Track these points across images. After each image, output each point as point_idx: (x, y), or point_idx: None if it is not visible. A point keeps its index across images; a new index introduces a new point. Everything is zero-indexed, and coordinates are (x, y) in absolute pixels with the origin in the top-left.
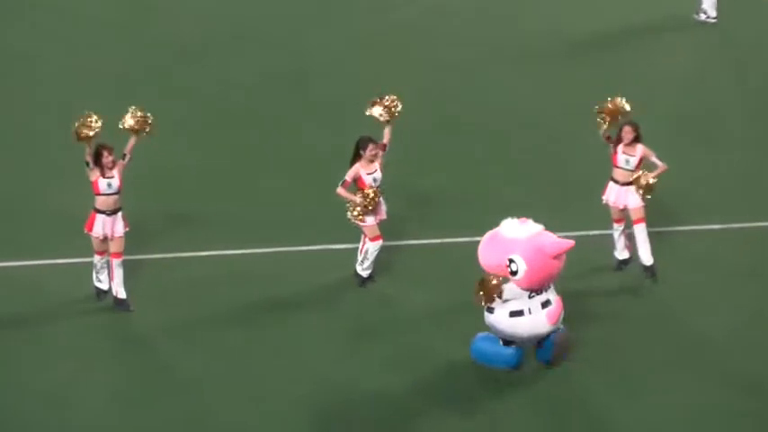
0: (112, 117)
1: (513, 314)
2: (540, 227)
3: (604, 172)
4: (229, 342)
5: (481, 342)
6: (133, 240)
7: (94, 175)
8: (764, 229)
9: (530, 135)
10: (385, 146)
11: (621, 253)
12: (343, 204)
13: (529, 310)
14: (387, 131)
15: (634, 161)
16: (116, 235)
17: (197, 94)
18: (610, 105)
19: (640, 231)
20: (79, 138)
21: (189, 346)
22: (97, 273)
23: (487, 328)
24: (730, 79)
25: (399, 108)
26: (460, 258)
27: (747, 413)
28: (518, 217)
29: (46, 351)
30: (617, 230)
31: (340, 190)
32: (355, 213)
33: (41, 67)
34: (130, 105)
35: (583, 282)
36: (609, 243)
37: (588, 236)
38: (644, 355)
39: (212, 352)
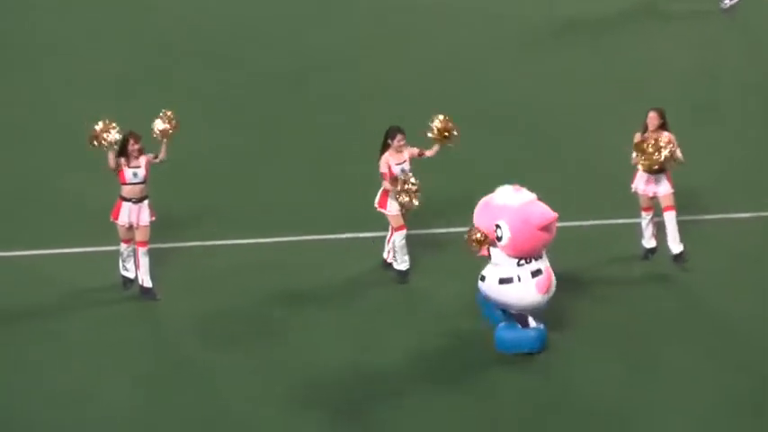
0: (115, 115)
1: (503, 281)
2: (532, 196)
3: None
4: (256, 332)
5: (502, 332)
6: (160, 229)
7: (119, 165)
8: None
9: (547, 126)
10: (423, 154)
11: (649, 241)
12: (361, 192)
13: (518, 277)
14: (434, 149)
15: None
16: (141, 223)
17: (200, 91)
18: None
19: (670, 219)
20: (97, 144)
21: (216, 337)
22: (123, 261)
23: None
24: (744, 64)
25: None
26: None
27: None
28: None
29: (71, 343)
30: (645, 219)
31: (385, 184)
32: (407, 200)
33: (55, 62)
34: (140, 103)
35: (609, 270)
36: (636, 232)
37: (615, 224)
38: (669, 345)
39: (239, 343)
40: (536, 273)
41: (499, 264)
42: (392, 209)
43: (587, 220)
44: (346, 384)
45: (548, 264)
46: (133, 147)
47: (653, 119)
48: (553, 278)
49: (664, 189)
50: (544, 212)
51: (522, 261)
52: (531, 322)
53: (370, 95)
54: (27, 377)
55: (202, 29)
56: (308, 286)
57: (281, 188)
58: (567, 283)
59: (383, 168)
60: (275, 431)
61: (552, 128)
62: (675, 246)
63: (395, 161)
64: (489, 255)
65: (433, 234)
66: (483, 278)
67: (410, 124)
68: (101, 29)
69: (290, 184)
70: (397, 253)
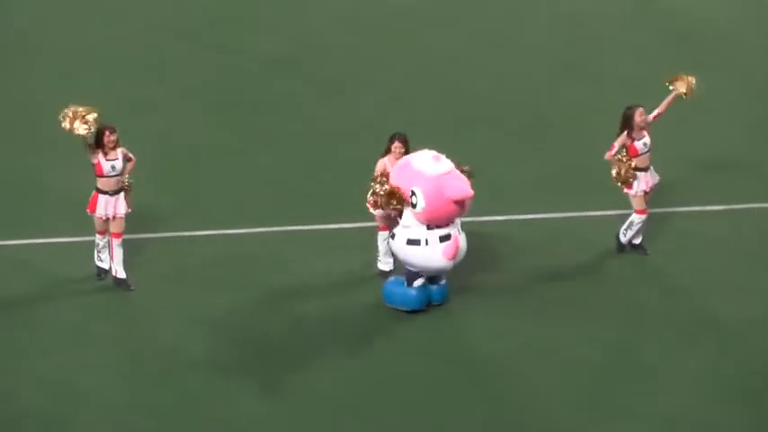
0: (113, 98)
1: (410, 242)
2: (450, 166)
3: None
4: (237, 323)
5: (389, 285)
6: (142, 219)
7: (96, 157)
8: None
9: (544, 117)
10: None
11: (633, 238)
12: (354, 183)
13: (426, 240)
14: None
15: (649, 141)
16: (118, 215)
17: (198, 76)
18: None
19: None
20: (75, 135)
21: (195, 328)
22: (99, 252)
23: None
24: (732, 54)
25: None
26: (487, 240)
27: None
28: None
29: (48, 333)
30: (638, 219)
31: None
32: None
33: (41, 48)
34: (127, 93)
35: (595, 262)
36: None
37: (600, 216)
38: (654, 337)
39: (219, 334)
40: (444, 237)
41: (409, 226)
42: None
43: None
44: (341, 377)
45: (458, 230)
46: (109, 138)
47: (641, 115)
48: (461, 244)
49: (654, 179)
50: (462, 188)
51: (433, 225)
52: (418, 282)
53: (364, 82)
54: (10, 364)
55: (201, 11)
56: (291, 278)
57: (266, 178)
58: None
59: (378, 172)
60: (255, 421)
61: (543, 122)
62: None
63: (392, 166)
64: (400, 215)
65: None
66: (393, 236)
67: (405, 112)
68: (90, 18)
69: (276, 174)
70: (379, 253)
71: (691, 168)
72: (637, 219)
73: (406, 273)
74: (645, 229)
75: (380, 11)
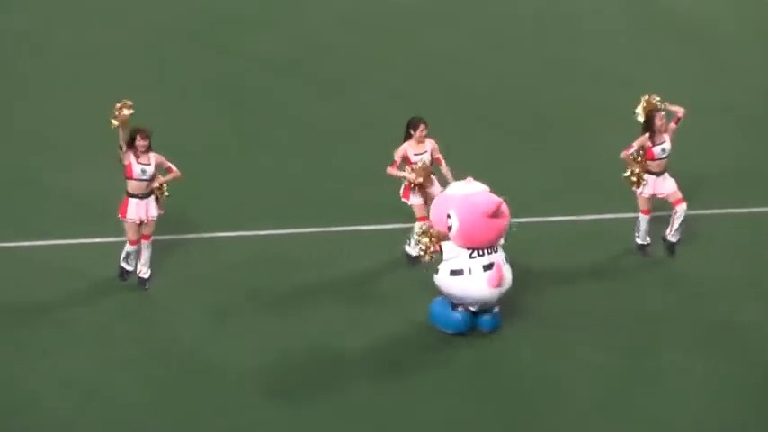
0: (114, 98)
1: (453, 273)
2: (482, 187)
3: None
4: (258, 324)
5: (435, 305)
6: (167, 222)
7: (128, 158)
8: None
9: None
10: (441, 162)
11: (645, 239)
12: (371, 185)
13: (469, 270)
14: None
15: (668, 147)
16: (150, 218)
17: (199, 76)
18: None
19: (682, 211)
20: (119, 120)
21: (215, 330)
22: (127, 258)
23: None
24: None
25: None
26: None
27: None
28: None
29: (68, 334)
30: (644, 220)
31: (389, 170)
32: (417, 181)
33: (51, 49)
34: (132, 95)
35: (608, 264)
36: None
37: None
38: (666, 339)
39: (241, 335)
40: (488, 266)
41: (451, 257)
42: (414, 200)
43: (581, 215)
44: (357, 380)
45: (502, 258)
46: (140, 143)
47: (661, 119)
48: (505, 272)
49: (670, 186)
50: (489, 198)
51: (475, 254)
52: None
53: (371, 82)
54: (32, 364)
55: (203, 12)
56: (317, 279)
57: (283, 179)
58: (562, 277)
59: (396, 157)
60: (280, 424)
61: (547, 122)
62: (673, 236)
63: (414, 151)
64: (441, 250)
65: None
66: (437, 271)
67: (406, 112)
68: (89, 19)
69: (290, 175)
70: (412, 240)
71: (712, 172)
72: (642, 219)
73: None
74: (679, 228)
75: (381, 11)
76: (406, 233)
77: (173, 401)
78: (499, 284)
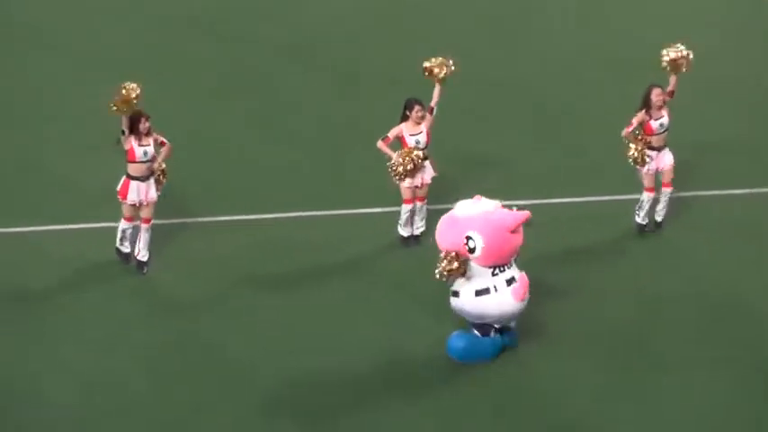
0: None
1: (479, 293)
2: (494, 203)
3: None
4: (258, 309)
5: (457, 341)
6: (169, 205)
7: (129, 142)
8: None
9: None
10: (432, 109)
11: (645, 218)
12: (369, 167)
13: (494, 287)
14: (436, 92)
15: (666, 120)
16: (150, 200)
17: (204, 65)
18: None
19: (666, 194)
20: (123, 103)
21: (218, 313)
22: (123, 239)
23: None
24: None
25: (452, 68)
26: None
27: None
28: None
29: (68, 319)
30: (647, 198)
31: (380, 143)
32: (397, 170)
33: (50, 39)
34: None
35: (604, 249)
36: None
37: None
38: (665, 329)
39: (243, 319)
40: (510, 281)
41: (473, 276)
42: (406, 183)
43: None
44: (357, 362)
45: (519, 271)
46: (144, 125)
47: (658, 95)
48: (527, 284)
49: (668, 160)
50: (515, 214)
51: (496, 270)
52: (492, 333)
53: (379, 71)
54: (32, 350)
55: (203, 4)
56: (318, 262)
57: (285, 165)
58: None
59: (390, 133)
60: (282, 411)
61: (551, 107)
62: (660, 216)
63: (409, 132)
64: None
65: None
66: (456, 294)
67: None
68: (99, 9)
69: (294, 160)
70: (401, 220)
71: (713, 151)
72: (646, 197)
73: (478, 326)
74: (666, 208)
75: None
76: (397, 216)
77: (174, 387)
78: (525, 297)
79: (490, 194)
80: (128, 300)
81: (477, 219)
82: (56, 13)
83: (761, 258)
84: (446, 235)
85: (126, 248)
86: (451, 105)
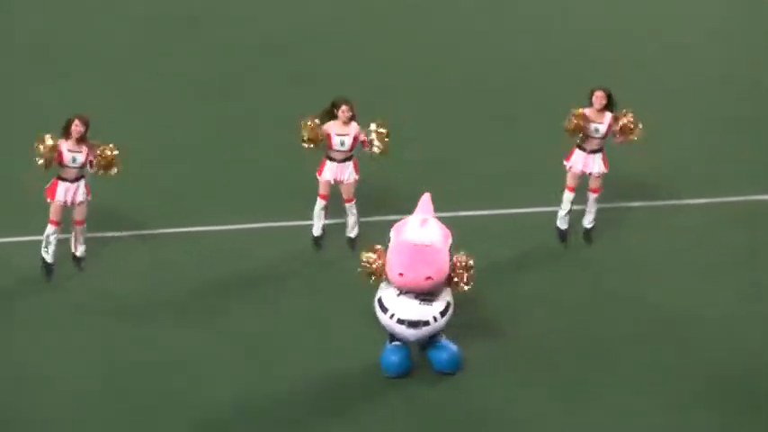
0: (95, 93)
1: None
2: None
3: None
4: (212, 318)
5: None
6: (121, 217)
7: (60, 144)
8: (751, 203)
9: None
10: (366, 146)
11: (563, 222)
12: None
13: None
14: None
15: (603, 129)
16: (78, 201)
17: (176, 70)
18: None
19: (596, 200)
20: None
21: (177, 321)
22: (47, 244)
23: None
24: (726, 49)
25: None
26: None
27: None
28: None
29: (24, 327)
30: (568, 198)
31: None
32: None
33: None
34: (108, 88)
35: (558, 257)
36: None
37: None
38: (618, 333)
39: (202, 328)
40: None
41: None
42: (323, 176)
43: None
44: (312, 369)
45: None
46: (76, 128)
47: (599, 98)
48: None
49: (598, 167)
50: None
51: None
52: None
53: (347, 73)
54: None
55: (181, 3)
56: (281, 272)
57: (253, 172)
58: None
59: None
60: (226, 411)
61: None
62: (588, 222)
63: (336, 131)
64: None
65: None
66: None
67: (393, 101)
68: (71, 12)
69: (261, 168)
70: (314, 218)
71: (670, 162)
72: (565, 196)
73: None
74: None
75: (366, 2)
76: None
77: (128, 394)
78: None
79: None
80: (76, 308)
81: (447, 234)
82: (17, 13)
83: (713, 269)
84: (432, 264)
85: (48, 256)
86: (417, 108)
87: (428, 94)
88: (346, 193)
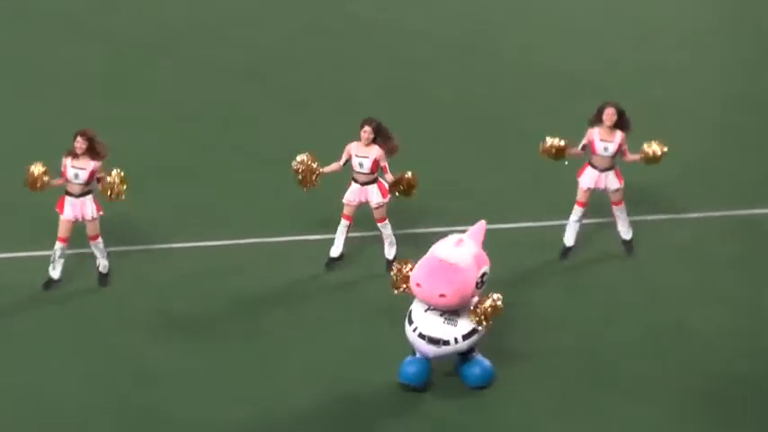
0: (81, 113)
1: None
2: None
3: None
4: (206, 335)
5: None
6: (114, 232)
7: (65, 160)
8: (744, 217)
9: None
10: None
11: (569, 239)
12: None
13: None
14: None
15: (613, 148)
16: (87, 218)
17: (161, 91)
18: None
19: (621, 211)
20: (32, 184)
21: (171, 336)
22: (54, 261)
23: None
24: (718, 62)
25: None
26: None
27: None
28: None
29: (12, 344)
30: (577, 213)
31: (329, 168)
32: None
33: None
34: (91, 106)
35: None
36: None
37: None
38: (619, 346)
39: (187, 344)
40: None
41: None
42: (345, 197)
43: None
44: (299, 389)
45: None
46: (78, 144)
47: (609, 115)
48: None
49: (613, 184)
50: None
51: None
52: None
53: (332, 93)
54: None
55: (159, 26)
56: (274, 288)
57: (243, 189)
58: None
59: (344, 153)
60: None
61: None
62: (626, 233)
63: (356, 152)
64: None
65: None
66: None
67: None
68: (54, 34)
69: (251, 184)
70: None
71: (662, 176)
72: (574, 210)
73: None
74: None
75: (346, 22)
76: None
77: (115, 410)
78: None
79: (449, 220)
80: (78, 321)
81: (479, 255)
82: (10, 41)
83: (707, 282)
84: (468, 276)
85: (54, 273)
86: (406, 128)
87: (425, 113)
88: (375, 214)
